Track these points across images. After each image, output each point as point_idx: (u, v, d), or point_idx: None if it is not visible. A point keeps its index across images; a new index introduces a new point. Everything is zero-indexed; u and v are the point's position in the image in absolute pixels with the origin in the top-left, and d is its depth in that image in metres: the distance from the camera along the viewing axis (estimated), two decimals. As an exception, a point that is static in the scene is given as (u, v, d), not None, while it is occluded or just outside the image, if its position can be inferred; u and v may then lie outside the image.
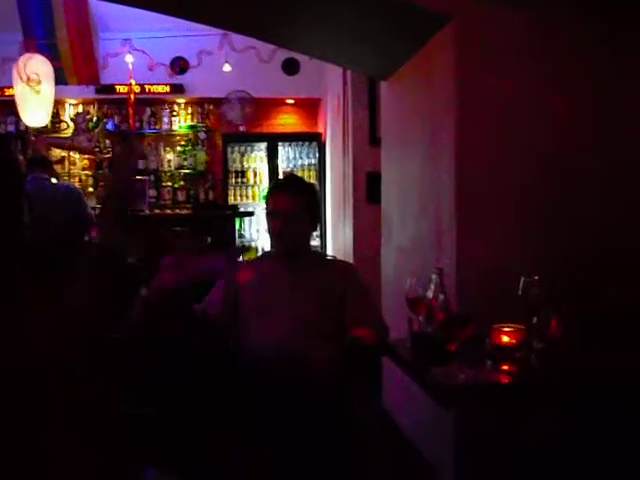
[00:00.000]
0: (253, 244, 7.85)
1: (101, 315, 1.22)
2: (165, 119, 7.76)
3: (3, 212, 1.18)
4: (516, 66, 2.69)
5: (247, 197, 7.97)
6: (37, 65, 5.64)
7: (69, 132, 7.35)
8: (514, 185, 2.69)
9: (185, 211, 7.04)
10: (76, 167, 7.69)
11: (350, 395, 2.31)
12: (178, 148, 7.83)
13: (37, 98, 5.62)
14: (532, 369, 2.02)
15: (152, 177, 7.52)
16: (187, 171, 7.80)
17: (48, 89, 5.71)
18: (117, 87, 7.38)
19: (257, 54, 7.28)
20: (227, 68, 7.29)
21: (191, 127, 7.81)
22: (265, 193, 6.15)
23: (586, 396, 2.03)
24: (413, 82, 3.38)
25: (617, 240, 2.64)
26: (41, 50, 5.90)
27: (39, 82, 5.58)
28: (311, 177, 7.72)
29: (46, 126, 6.45)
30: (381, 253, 4.09)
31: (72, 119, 7.41)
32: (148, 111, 7.70)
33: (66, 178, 7.47)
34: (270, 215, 2.42)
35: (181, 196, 7.73)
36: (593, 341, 2.12)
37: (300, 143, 7.98)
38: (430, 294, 2.15)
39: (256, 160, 8.00)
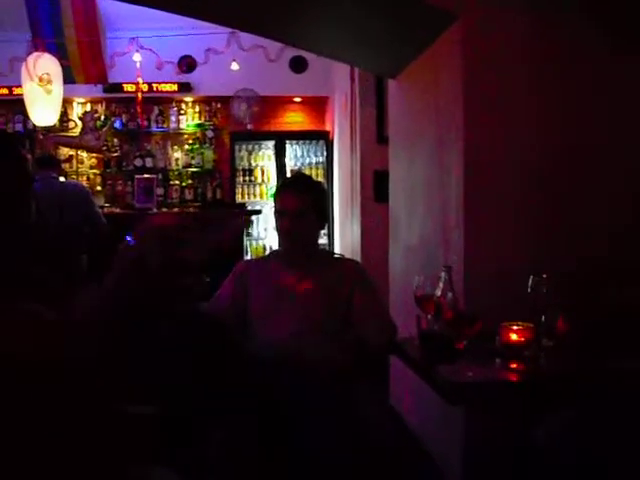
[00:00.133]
0: (261, 242, 7.86)
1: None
2: (173, 117, 7.76)
3: (11, 211, 1.18)
4: (523, 65, 2.68)
5: (255, 195, 7.98)
6: (47, 64, 5.60)
7: (77, 131, 7.36)
8: (521, 183, 2.68)
9: (192, 209, 7.06)
10: (84, 166, 7.72)
11: (356, 394, 2.30)
12: (186, 146, 7.83)
13: (47, 97, 5.60)
14: (541, 367, 2.02)
15: (160, 175, 7.53)
16: (195, 169, 7.80)
17: (58, 88, 5.69)
18: (125, 86, 7.38)
19: (265, 52, 7.29)
20: (235, 66, 7.29)
21: (199, 125, 7.80)
22: (273, 191, 6.15)
23: (597, 395, 2.02)
24: (421, 80, 3.37)
25: (625, 240, 2.64)
26: (49, 49, 5.90)
27: (50, 81, 5.55)
28: (319, 175, 7.73)
29: (54, 125, 6.44)
30: (389, 251, 4.09)
31: (80, 118, 7.42)
32: (156, 110, 7.71)
33: (74, 177, 7.51)
34: (278, 214, 2.43)
35: (189, 194, 7.73)
36: (597, 341, 2.11)
37: (308, 141, 8.00)
38: (438, 292, 2.15)
39: (264, 158, 8.01)
